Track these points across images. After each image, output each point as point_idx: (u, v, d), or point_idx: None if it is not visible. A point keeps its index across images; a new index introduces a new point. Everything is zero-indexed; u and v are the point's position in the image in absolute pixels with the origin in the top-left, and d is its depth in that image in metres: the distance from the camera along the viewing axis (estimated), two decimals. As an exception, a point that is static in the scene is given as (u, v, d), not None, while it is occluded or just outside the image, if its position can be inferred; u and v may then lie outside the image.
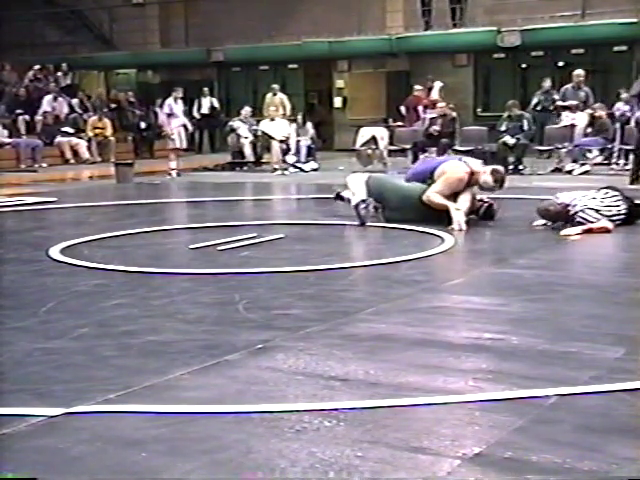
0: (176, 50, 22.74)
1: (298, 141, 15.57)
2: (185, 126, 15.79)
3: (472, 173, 7.62)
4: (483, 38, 18.73)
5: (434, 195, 7.57)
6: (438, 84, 17.41)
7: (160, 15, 23.37)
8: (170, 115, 14.75)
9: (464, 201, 7.59)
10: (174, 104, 14.76)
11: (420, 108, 17.04)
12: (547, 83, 15.37)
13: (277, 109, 16.15)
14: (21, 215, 9.43)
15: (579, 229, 7.05)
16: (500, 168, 7.97)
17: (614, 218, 7.23)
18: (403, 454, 2.58)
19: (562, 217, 7.28)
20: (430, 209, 7.57)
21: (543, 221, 7.54)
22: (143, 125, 19.28)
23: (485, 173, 7.63)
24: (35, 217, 9.33)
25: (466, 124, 16.31)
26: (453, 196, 7.61)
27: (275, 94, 17.32)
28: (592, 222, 7.07)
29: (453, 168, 7.72)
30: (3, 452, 2.63)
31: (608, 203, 7.28)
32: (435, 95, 17.08)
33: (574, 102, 14.32)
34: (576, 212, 7.16)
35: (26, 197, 10.77)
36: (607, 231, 7.03)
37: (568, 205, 7.23)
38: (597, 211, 7.17)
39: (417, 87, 17.54)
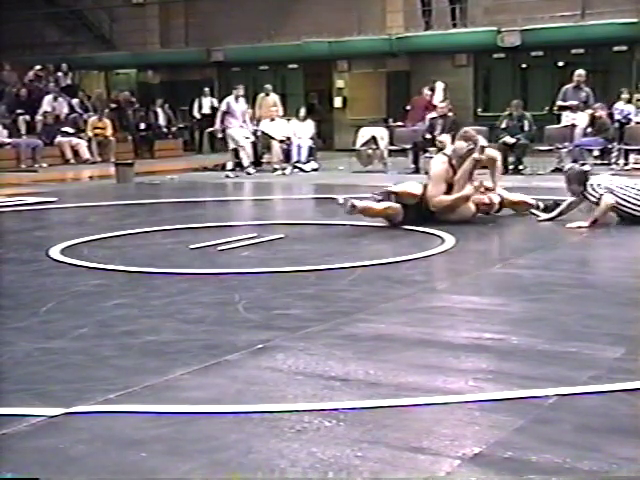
0: (176, 50, 22.74)
1: (299, 145, 15.53)
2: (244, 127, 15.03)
3: (450, 158, 7.75)
4: (483, 38, 18.72)
5: (438, 199, 7.65)
6: (440, 85, 17.36)
7: (160, 15, 23.37)
8: (226, 113, 14.49)
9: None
10: (234, 102, 14.52)
11: (433, 113, 16.85)
12: None
13: (277, 109, 16.12)
14: (21, 215, 9.43)
15: (585, 223, 7.14)
16: (467, 129, 8.10)
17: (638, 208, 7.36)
18: (403, 454, 2.58)
19: (581, 180, 7.43)
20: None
21: (540, 214, 7.80)
22: (143, 126, 19.29)
23: (456, 142, 7.86)
24: (35, 217, 9.33)
25: (466, 124, 16.26)
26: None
27: (268, 94, 17.19)
28: (596, 201, 7.25)
29: (434, 163, 8.07)
30: (3, 452, 2.63)
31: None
32: (439, 96, 17.01)
33: (574, 102, 14.31)
34: (592, 186, 7.33)
35: (26, 197, 10.77)
36: (609, 210, 7.21)
37: (590, 179, 7.42)
38: (625, 201, 7.30)
39: (426, 91, 17.52)
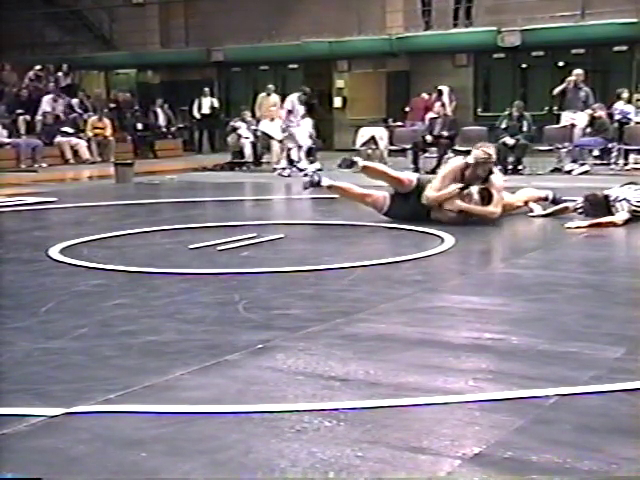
0: (176, 50, 22.75)
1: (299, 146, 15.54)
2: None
3: (467, 165, 7.68)
4: (483, 38, 18.74)
5: (431, 192, 7.65)
6: (446, 89, 17.42)
7: (160, 15, 23.38)
8: (290, 112, 14.52)
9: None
10: (297, 102, 14.54)
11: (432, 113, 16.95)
12: None
13: (277, 109, 16.11)
14: (21, 215, 9.43)
15: (586, 223, 7.15)
16: (486, 147, 7.89)
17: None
18: (403, 454, 2.58)
19: (603, 207, 7.46)
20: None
21: (540, 210, 7.87)
22: (140, 126, 19.27)
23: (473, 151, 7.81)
24: (35, 217, 9.32)
25: (466, 124, 16.31)
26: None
27: (269, 94, 17.15)
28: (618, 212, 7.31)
29: (450, 161, 8.32)
30: (3, 452, 2.63)
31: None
32: (446, 99, 17.08)
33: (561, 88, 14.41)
34: (614, 201, 7.39)
35: (26, 197, 10.77)
36: (615, 225, 7.18)
37: (609, 197, 7.46)
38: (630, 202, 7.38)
39: (424, 95, 17.65)
